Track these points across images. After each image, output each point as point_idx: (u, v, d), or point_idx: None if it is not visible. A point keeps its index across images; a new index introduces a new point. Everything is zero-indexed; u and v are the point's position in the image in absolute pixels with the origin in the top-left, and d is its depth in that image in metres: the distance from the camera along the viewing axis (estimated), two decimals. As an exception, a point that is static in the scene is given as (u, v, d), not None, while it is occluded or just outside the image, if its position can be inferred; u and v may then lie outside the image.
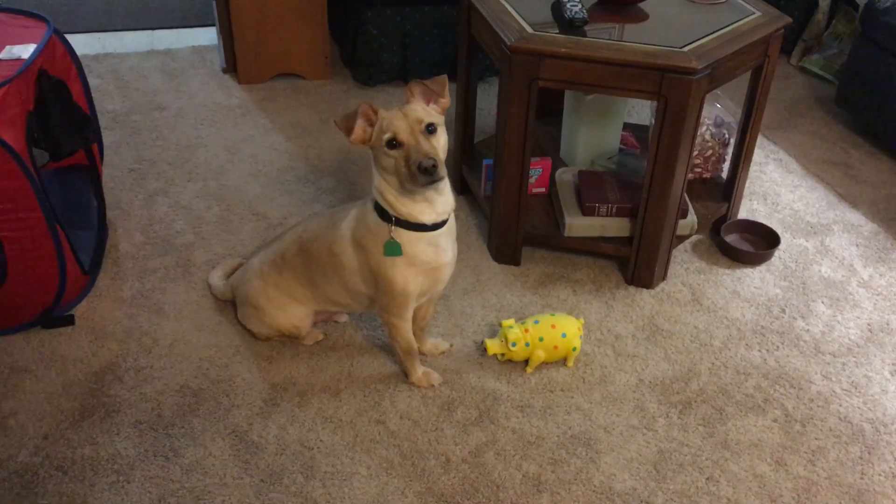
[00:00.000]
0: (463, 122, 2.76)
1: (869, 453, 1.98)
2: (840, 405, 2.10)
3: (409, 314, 1.99)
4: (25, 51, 2.12)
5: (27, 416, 1.98)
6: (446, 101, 1.81)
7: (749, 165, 2.65)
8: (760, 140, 3.19)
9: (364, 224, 1.89)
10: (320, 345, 2.22)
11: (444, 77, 1.81)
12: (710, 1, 2.45)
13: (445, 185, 1.82)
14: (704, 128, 2.70)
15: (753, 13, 2.38)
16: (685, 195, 2.42)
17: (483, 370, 2.16)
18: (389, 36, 3.41)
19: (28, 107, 2.07)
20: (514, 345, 2.08)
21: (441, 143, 1.77)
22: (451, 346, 2.23)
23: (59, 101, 2.22)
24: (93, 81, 3.31)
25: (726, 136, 2.74)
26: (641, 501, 1.84)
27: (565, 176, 2.66)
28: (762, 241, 2.66)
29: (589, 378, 2.15)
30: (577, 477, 1.89)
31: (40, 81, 2.14)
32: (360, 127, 1.77)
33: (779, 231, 2.66)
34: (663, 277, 2.49)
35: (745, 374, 2.18)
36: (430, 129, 1.75)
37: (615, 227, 2.48)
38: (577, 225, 2.48)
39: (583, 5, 2.27)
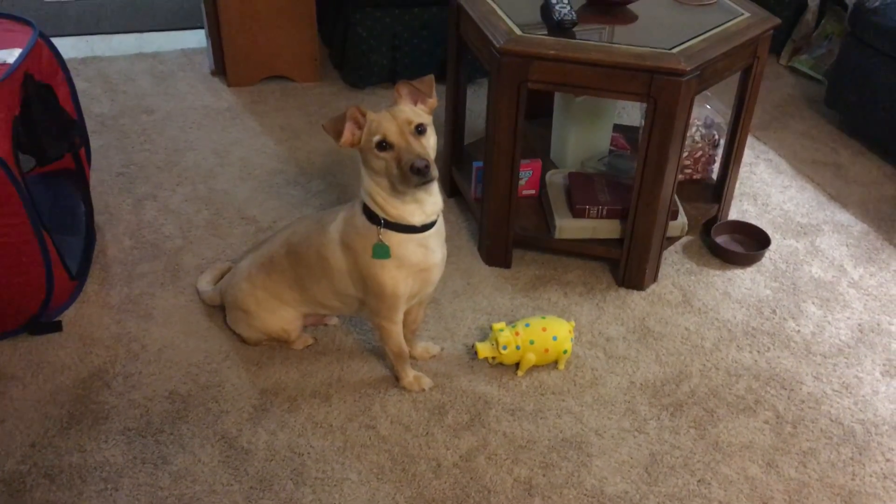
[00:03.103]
0: (452, 125, 2.76)
1: (860, 454, 1.98)
2: (831, 406, 2.10)
3: (400, 317, 1.98)
4: (10, 55, 2.10)
5: (14, 424, 1.96)
6: (434, 100, 1.81)
7: (739, 166, 2.66)
8: (750, 140, 3.20)
9: (352, 226, 1.88)
10: (310, 349, 2.20)
11: (431, 77, 1.81)
12: (700, 2, 2.45)
13: (434, 186, 1.82)
14: (694, 129, 2.70)
15: (742, 14, 2.38)
16: (675, 196, 2.42)
17: (474, 374, 2.15)
18: (379, 38, 3.40)
19: (14, 112, 2.05)
20: (504, 348, 2.07)
21: (431, 143, 1.77)
22: (442, 349, 2.22)
23: (45, 106, 2.20)
24: (80, 85, 3.28)
25: (716, 136, 2.74)
26: (633, 505, 1.84)
27: (555, 178, 2.66)
28: (752, 242, 2.66)
29: (580, 381, 2.14)
30: (569, 480, 1.88)
31: (26, 86, 2.12)
32: (348, 130, 1.76)
33: (769, 232, 2.66)
34: (654, 279, 2.48)
35: (736, 376, 2.18)
36: (420, 130, 1.74)
37: (606, 228, 2.47)
38: (568, 227, 2.47)
39: (571, 7, 2.26)
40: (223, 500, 1.81)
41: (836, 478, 1.92)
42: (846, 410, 2.09)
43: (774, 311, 2.40)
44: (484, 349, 2.11)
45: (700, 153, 2.75)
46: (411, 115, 1.74)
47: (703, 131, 2.73)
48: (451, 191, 2.84)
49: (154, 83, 3.51)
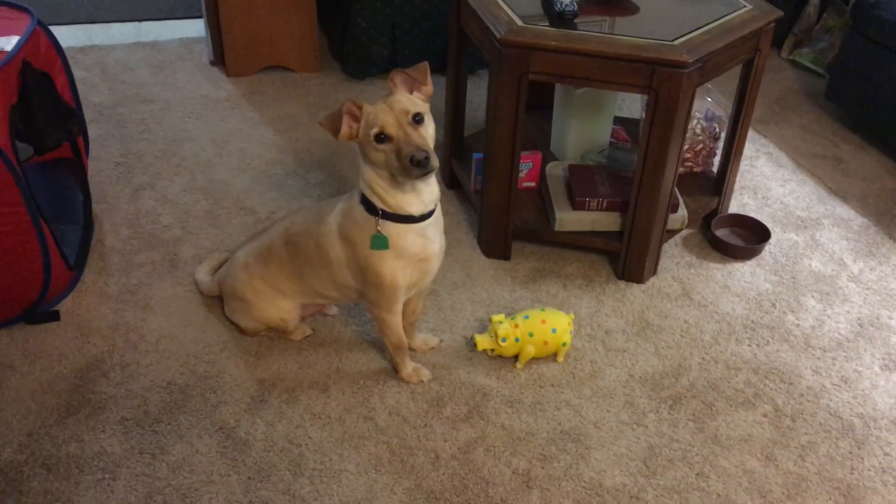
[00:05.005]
0: (453, 116, 2.75)
1: (859, 448, 1.98)
2: (830, 400, 2.10)
3: (399, 308, 1.98)
4: (8, 43, 2.09)
5: (11, 414, 1.96)
6: (429, 87, 1.79)
7: (740, 159, 2.65)
8: (751, 134, 3.19)
9: (351, 218, 1.87)
10: (309, 340, 2.20)
11: (426, 64, 1.79)
12: (701, -6, 2.44)
13: (432, 175, 1.81)
14: (695, 121, 2.69)
15: (744, 6, 2.37)
16: (676, 189, 2.41)
17: (473, 366, 2.15)
18: (379, 28, 3.38)
19: (11, 100, 2.04)
20: (503, 340, 2.07)
21: (429, 131, 1.75)
22: (441, 341, 2.22)
23: (43, 94, 2.19)
24: (79, 74, 3.27)
25: (717, 129, 2.74)
26: (631, 497, 1.83)
27: (555, 170, 2.65)
28: (752, 236, 2.66)
29: (579, 373, 2.14)
30: (567, 473, 1.88)
31: (24, 74, 2.11)
32: (345, 124, 1.74)
33: (769, 225, 2.66)
34: (654, 272, 2.48)
35: (736, 369, 2.18)
36: (418, 120, 1.73)
37: (606, 221, 2.46)
38: (568, 219, 2.47)
39: (573, -2, 2.25)
40: (221, 490, 1.80)
41: (835, 471, 1.92)
42: (845, 404, 2.09)
43: (774, 305, 2.40)
44: (483, 341, 2.10)
45: (701, 146, 2.74)
46: (408, 105, 1.73)
47: (704, 124, 2.72)
48: (451, 182, 2.83)
49: (153, 73, 3.49)
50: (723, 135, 2.69)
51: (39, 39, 2.26)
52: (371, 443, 1.93)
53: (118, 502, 1.77)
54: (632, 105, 3.33)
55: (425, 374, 2.09)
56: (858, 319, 2.36)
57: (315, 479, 1.84)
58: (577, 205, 2.47)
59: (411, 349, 2.15)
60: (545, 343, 2.10)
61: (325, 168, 2.93)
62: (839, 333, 2.31)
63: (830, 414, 2.06)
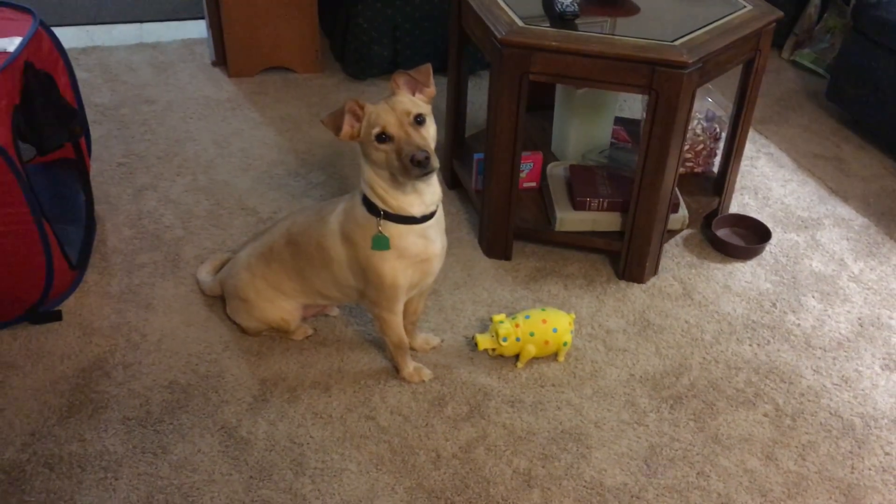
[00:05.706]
0: (454, 116, 2.75)
1: (859, 448, 1.98)
2: (830, 399, 2.10)
3: (400, 308, 1.98)
4: (11, 44, 2.10)
5: (14, 413, 1.96)
6: (432, 90, 1.80)
7: (740, 160, 2.65)
8: (752, 134, 3.19)
9: (352, 218, 1.88)
10: (310, 340, 2.21)
11: (428, 66, 1.80)
12: (702, -6, 2.44)
13: (433, 176, 1.81)
14: (696, 122, 2.70)
15: (745, 7, 2.37)
16: (676, 189, 2.41)
17: (474, 365, 2.15)
18: (380, 29, 3.39)
19: (14, 100, 2.05)
20: (504, 340, 2.08)
21: (431, 133, 1.76)
22: (442, 341, 2.22)
23: (46, 95, 2.19)
24: (81, 74, 3.28)
25: (717, 130, 2.74)
26: (632, 497, 1.84)
27: (556, 170, 2.65)
28: (753, 236, 2.66)
29: (580, 373, 2.14)
30: (568, 472, 1.88)
31: (26, 74, 2.11)
32: (347, 123, 1.75)
33: (770, 225, 2.66)
34: (654, 272, 2.48)
35: (736, 369, 2.18)
36: (419, 121, 1.73)
37: (606, 221, 2.47)
38: (569, 219, 2.47)
39: (574, -2, 2.26)
40: (223, 489, 1.81)
41: (835, 471, 1.92)
42: (845, 404, 2.09)
43: (774, 305, 2.40)
44: (484, 341, 2.11)
45: (701, 146, 2.74)
46: (410, 106, 1.73)
47: (705, 124, 2.73)
48: (452, 182, 2.83)
49: (155, 73, 3.50)
50: (723, 135, 2.70)
51: (42, 40, 2.26)
52: (372, 442, 1.93)
53: (120, 501, 1.78)
54: (632, 105, 3.34)
55: (426, 373, 2.10)
56: (859, 319, 2.37)
57: (317, 479, 1.84)
58: (577, 205, 2.47)
59: (412, 349, 2.16)
60: (546, 343, 2.10)
61: (327, 168, 2.93)
62: (840, 333, 2.31)
63: (831, 413, 2.06)
